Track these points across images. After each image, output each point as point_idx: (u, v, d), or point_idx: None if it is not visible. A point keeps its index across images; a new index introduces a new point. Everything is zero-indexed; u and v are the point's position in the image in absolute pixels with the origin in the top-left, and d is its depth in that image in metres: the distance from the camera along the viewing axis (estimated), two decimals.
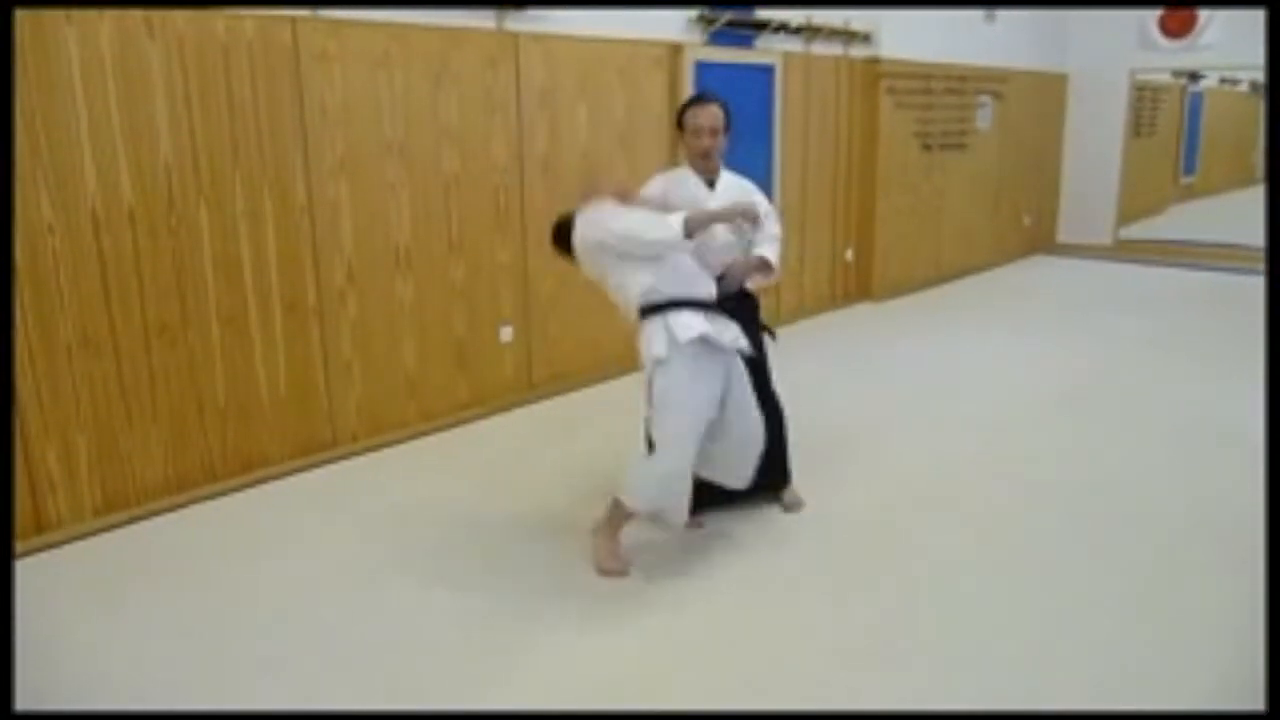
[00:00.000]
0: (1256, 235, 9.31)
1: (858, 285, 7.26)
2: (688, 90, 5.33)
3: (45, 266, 3.21)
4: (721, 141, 3.33)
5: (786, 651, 2.57)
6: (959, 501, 3.56)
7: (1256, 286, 7.49)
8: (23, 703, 2.20)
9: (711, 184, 3.35)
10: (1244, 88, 16.02)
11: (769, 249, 3.35)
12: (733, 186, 3.37)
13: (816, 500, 3.54)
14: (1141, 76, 9.58)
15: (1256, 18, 8.22)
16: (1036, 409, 4.64)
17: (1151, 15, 8.76)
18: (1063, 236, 9.86)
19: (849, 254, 7.13)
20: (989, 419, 4.49)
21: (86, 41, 3.21)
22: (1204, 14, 8.47)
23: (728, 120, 3.33)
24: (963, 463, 3.94)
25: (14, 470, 3.20)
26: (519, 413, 4.71)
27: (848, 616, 2.76)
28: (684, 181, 3.34)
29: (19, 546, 3.22)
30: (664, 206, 3.14)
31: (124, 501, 3.52)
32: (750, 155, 5.70)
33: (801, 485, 3.58)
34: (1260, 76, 16.63)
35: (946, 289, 7.81)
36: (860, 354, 5.74)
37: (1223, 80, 14.64)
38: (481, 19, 4.37)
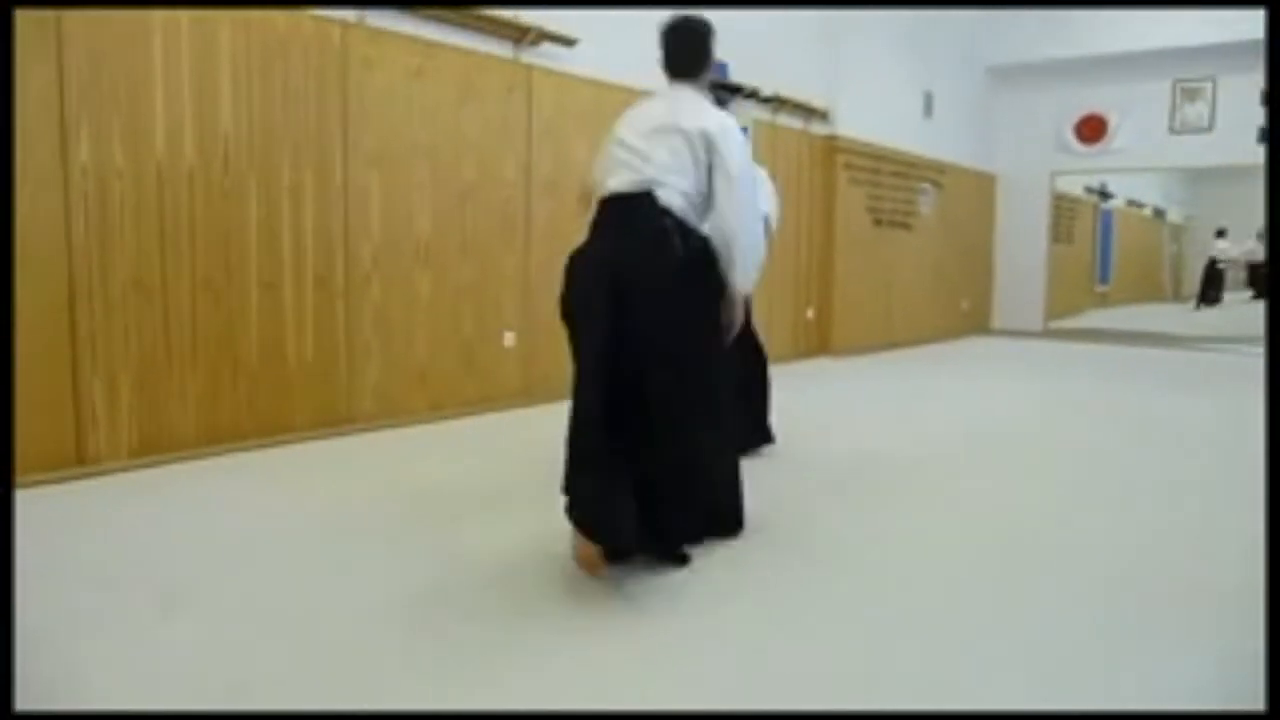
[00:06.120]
0: (1170, 327, 10.27)
1: (819, 341, 7.74)
2: None
3: (111, 209, 3.46)
4: None
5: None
6: (924, 541, 3.04)
7: (1172, 358, 8.16)
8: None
9: None
10: (1148, 212, 17.52)
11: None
12: None
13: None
14: (1059, 188, 10.55)
15: (1161, 122, 9.26)
16: (1002, 442, 4.56)
17: (1068, 122, 9.77)
18: (996, 323, 10.57)
19: (810, 312, 7.63)
20: (945, 450, 4.40)
21: (166, 14, 3.58)
22: (1113, 122, 9.49)
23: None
24: (921, 493, 3.62)
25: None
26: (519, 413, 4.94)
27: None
28: None
29: (59, 475, 3.33)
30: None
31: (156, 446, 3.65)
32: None
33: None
34: (1161, 203, 18.19)
35: (899, 353, 8.32)
36: (823, 395, 6.11)
37: (1130, 202, 16.03)
38: (500, 48, 4.86)
